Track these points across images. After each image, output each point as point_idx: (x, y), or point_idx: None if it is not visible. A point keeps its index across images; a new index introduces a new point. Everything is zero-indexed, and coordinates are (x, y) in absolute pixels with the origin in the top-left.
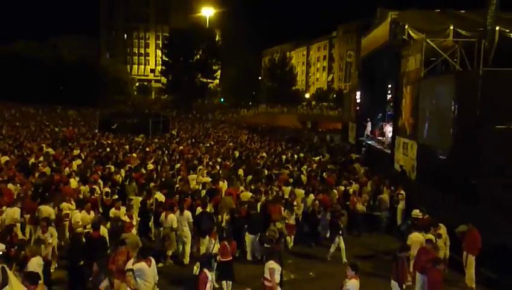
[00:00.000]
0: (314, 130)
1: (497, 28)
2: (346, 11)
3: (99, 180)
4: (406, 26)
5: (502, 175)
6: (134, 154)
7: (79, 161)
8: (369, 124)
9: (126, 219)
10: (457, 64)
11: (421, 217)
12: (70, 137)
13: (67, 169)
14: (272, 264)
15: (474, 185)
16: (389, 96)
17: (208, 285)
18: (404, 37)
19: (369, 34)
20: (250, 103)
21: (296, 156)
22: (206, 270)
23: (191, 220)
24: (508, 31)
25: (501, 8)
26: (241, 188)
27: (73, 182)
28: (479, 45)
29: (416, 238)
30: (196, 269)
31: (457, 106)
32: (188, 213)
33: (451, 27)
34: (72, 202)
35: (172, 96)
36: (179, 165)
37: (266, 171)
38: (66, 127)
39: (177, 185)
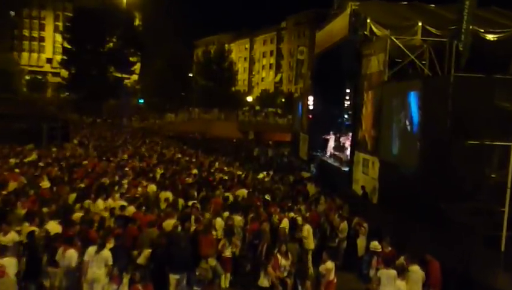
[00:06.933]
0: (257, 142)
1: (471, 27)
2: None
3: None
4: (368, 20)
5: (471, 199)
6: (17, 170)
7: None
8: (331, 138)
9: None
10: (426, 67)
11: (379, 250)
12: None
13: None
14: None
15: (443, 211)
16: (347, 103)
17: None
18: (365, 32)
19: (324, 27)
20: (180, 106)
21: (237, 173)
22: None
23: (111, 263)
24: (482, 30)
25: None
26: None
27: None
28: (451, 45)
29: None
30: None
31: (425, 116)
32: (107, 253)
33: (420, 24)
34: None
35: (76, 95)
36: (82, 185)
37: (196, 193)
38: None
39: (79, 213)
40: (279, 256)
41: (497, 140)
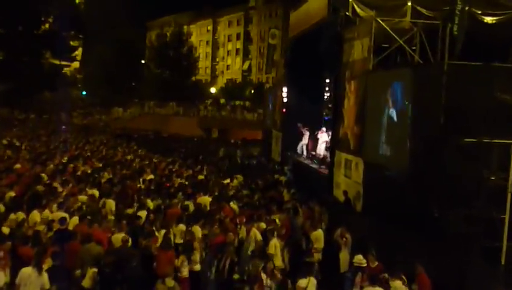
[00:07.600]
0: (222, 141)
1: (467, 8)
2: None
3: None
4: None
5: (467, 205)
6: None
7: None
8: (306, 135)
9: None
10: (416, 53)
11: (364, 265)
12: None
13: None
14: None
15: (436, 219)
16: (326, 95)
17: None
18: (347, 13)
19: (300, 6)
20: (130, 99)
21: (199, 178)
22: None
23: (48, 286)
24: (479, 12)
25: None
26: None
27: None
28: (444, 29)
29: None
30: None
31: (416, 110)
32: (43, 275)
33: (409, 4)
34: None
35: (5, 86)
36: (12, 193)
37: (151, 203)
38: None
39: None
40: (263, 276)
41: (497, 137)
